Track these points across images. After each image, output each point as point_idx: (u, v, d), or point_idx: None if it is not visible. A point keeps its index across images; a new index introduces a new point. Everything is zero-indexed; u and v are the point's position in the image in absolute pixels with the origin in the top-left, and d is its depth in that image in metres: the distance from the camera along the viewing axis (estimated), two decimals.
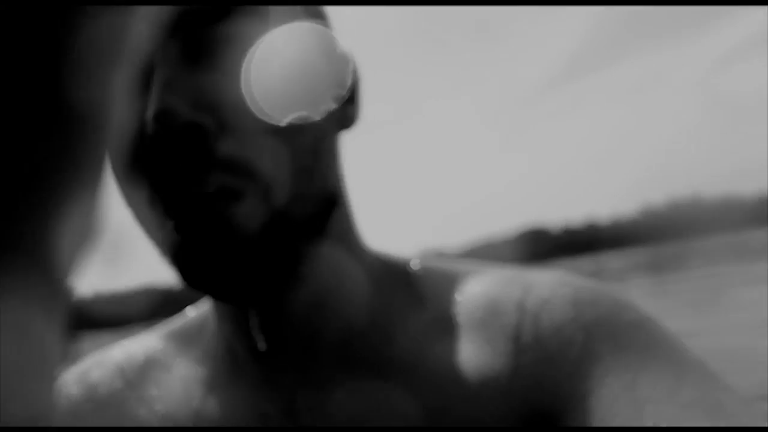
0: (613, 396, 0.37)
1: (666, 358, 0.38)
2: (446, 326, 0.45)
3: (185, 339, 0.50)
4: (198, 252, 0.38)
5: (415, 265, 0.49)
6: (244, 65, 0.37)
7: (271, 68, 0.38)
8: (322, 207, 0.42)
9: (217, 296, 0.41)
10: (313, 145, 0.40)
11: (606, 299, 0.43)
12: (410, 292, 0.47)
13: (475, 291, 0.46)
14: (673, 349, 0.40)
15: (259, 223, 0.38)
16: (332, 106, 0.41)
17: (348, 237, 0.46)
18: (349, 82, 0.46)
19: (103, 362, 0.49)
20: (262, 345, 0.44)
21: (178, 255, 0.39)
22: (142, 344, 0.50)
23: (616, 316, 0.42)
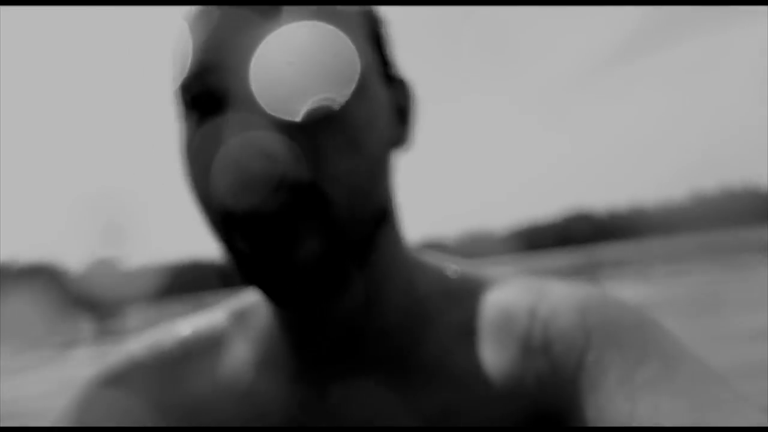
0: (609, 391, 0.39)
1: (661, 353, 0.40)
2: (469, 331, 0.48)
3: (243, 319, 0.54)
4: (262, 263, 0.40)
5: (452, 271, 0.52)
6: (252, 62, 0.39)
7: (276, 65, 0.39)
8: (376, 224, 0.44)
9: (276, 302, 0.42)
10: (370, 167, 0.42)
11: (611, 305, 0.45)
12: (443, 299, 0.50)
13: (496, 298, 0.49)
14: (670, 346, 0.41)
15: (319, 241, 0.40)
16: (335, 103, 0.40)
17: (394, 249, 0.49)
18: (405, 105, 0.48)
19: (172, 333, 0.54)
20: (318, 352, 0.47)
21: (245, 264, 0.41)
22: (207, 321, 0.54)
23: (618, 319, 0.43)
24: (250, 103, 0.39)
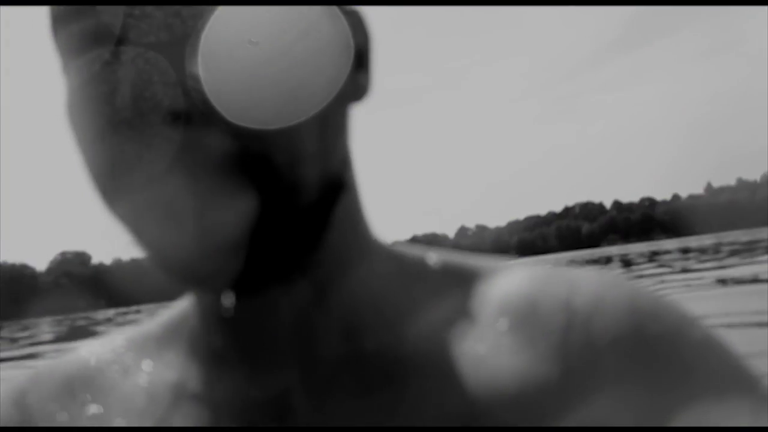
0: (674, 420, 0.34)
1: (738, 388, 0.35)
2: (472, 323, 0.40)
3: (155, 342, 0.45)
4: (176, 235, 0.33)
5: (432, 258, 0.44)
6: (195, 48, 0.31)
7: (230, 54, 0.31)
8: (327, 193, 0.37)
9: (209, 289, 0.36)
10: (317, 125, 0.35)
11: (668, 310, 0.39)
12: (427, 286, 0.43)
13: (510, 287, 0.41)
14: (745, 376, 0.36)
15: (257, 215, 0.34)
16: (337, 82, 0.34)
17: (355, 226, 0.42)
18: (359, 44, 0.39)
19: (50, 376, 0.45)
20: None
21: (169, 247, 0.34)
22: (100, 350, 0.46)
23: (683, 334, 0.37)
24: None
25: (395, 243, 0.45)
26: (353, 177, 0.41)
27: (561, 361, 0.37)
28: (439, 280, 0.43)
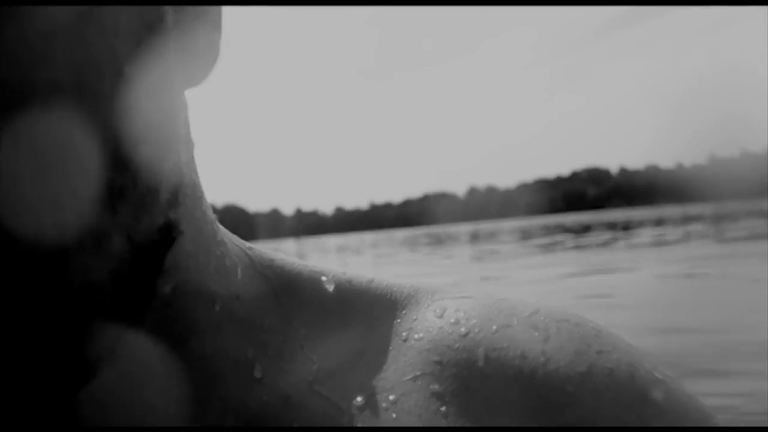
0: None
1: None
2: (389, 374, 0.28)
3: None
4: None
5: (330, 278, 0.32)
6: None
7: None
8: (147, 251, 0.24)
9: None
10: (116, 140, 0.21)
11: (680, 396, 0.28)
12: (322, 322, 0.30)
13: (445, 323, 0.29)
14: None
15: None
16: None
17: (199, 267, 0.28)
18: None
19: None
20: None
21: None
22: None
23: (671, 404, 0.27)
24: None
25: (274, 259, 0.32)
26: (193, 202, 0.28)
27: (519, 419, 0.26)
28: (339, 314, 0.31)
